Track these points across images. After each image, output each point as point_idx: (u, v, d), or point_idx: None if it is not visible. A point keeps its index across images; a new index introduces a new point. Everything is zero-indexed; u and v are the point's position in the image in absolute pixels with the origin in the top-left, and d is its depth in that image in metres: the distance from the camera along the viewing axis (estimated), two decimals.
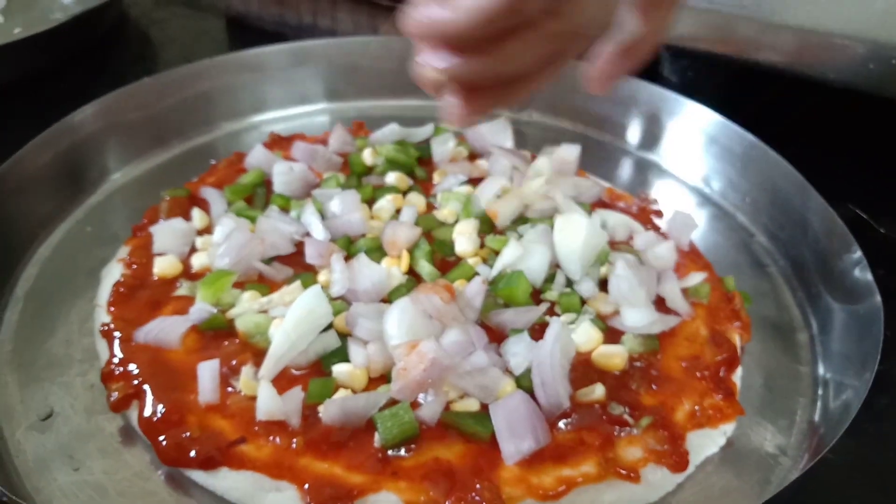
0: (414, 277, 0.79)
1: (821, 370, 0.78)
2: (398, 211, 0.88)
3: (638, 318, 0.73)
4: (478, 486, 0.60)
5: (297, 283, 0.75)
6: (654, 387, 0.69)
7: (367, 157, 0.96)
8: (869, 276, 0.76)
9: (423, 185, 0.95)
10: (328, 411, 0.63)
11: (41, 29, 1.20)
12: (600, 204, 0.92)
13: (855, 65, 0.97)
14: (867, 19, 0.94)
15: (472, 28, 0.48)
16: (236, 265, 0.77)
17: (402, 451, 0.62)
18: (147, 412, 0.66)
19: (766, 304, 0.85)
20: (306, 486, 0.60)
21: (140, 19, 1.50)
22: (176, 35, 1.45)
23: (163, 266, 0.79)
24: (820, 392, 0.75)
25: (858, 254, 0.78)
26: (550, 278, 0.79)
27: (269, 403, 0.64)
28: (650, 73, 1.12)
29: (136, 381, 0.68)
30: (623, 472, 0.62)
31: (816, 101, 1.13)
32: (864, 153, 1.10)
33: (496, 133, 1.00)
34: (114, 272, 0.81)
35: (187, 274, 0.79)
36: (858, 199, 0.99)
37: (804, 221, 0.88)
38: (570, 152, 0.95)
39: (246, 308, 0.73)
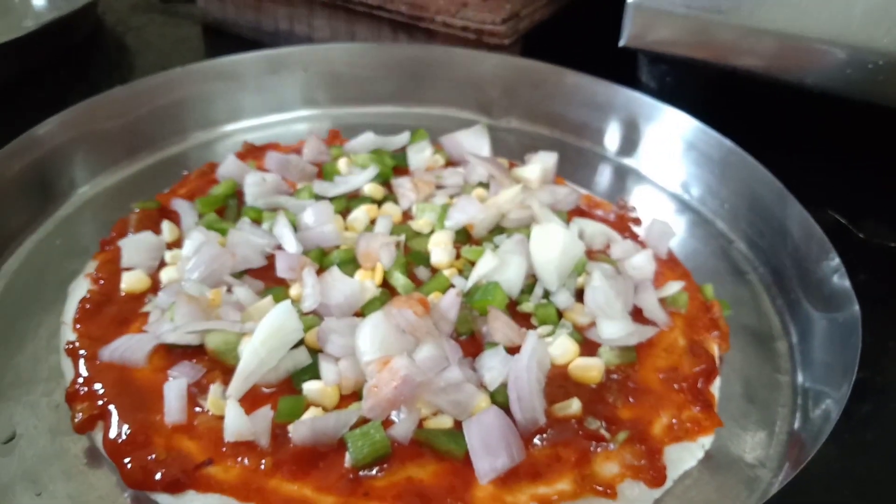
0: (388, 290, 0.77)
1: (800, 379, 0.77)
2: (373, 221, 0.86)
3: (614, 329, 0.72)
4: None
5: (268, 298, 0.73)
6: (631, 399, 0.68)
7: (342, 166, 0.95)
8: (847, 284, 0.75)
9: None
10: (298, 431, 0.62)
11: (13, 36, 1.18)
12: (578, 212, 0.91)
13: (833, 70, 0.97)
14: (845, 24, 0.93)
15: None
16: (206, 279, 0.75)
17: (374, 471, 0.61)
18: (112, 433, 0.64)
19: (745, 312, 0.85)
20: None
21: (116, 26, 1.48)
22: (152, 42, 1.43)
23: (130, 281, 0.77)
24: (800, 401, 0.75)
25: (837, 261, 0.78)
26: (527, 289, 0.78)
27: (237, 424, 0.62)
28: (628, 78, 1.11)
29: (101, 401, 0.66)
30: (600, 488, 0.61)
31: (795, 105, 1.13)
32: (843, 158, 1.10)
33: (473, 141, 0.98)
34: (81, 287, 0.79)
35: (156, 289, 0.77)
36: (838, 205, 0.99)
37: (783, 228, 0.87)
38: (547, 160, 0.94)
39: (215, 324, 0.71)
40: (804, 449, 0.67)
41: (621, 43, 1.10)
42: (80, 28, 1.40)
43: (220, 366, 0.68)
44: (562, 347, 0.71)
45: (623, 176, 1.06)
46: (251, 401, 0.65)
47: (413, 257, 0.82)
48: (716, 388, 0.73)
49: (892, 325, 0.83)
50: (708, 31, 1.03)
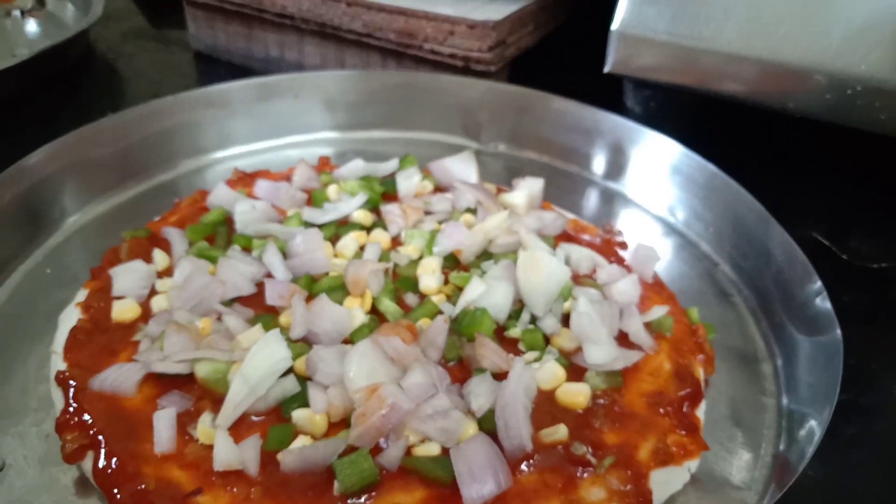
0: (377, 316, 0.78)
1: (785, 401, 0.78)
2: (362, 248, 0.87)
3: (600, 354, 0.73)
4: None
5: (258, 327, 0.74)
6: (617, 424, 0.69)
7: (332, 193, 0.96)
8: (829, 307, 0.76)
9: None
10: (286, 460, 0.62)
11: (7, 64, 1.19)
12: (565, 236, 0.92)
13: (813, 95, 0.99)
14: (823, 51, 0.96)
15: None
16: (196, 308, 0.76)
17: (363, 499, 0.61)
18: (102, 463, 0.64)
19: (730, 335, 0.86)
20: None
21: (107, 53, 1.49)
22: (143, 69, 1.45)
23: (121, 310, 0.77)
24: (785, 423, 0.75)
25: (819, 284, 0.79)
26: (515, 315, 0.78)
27: (226, 453, 0.62)
28: (614, 103, 1.13)
29: (91, 431, 0.66)
30: None
31: (777, 129, 1.15)
32: (826, 180, 1.12)
33: (461, 167, 1.00)
34: (71, 316, 0.79)
35: (146, 318, 0.78)
36: (821, 226, 1.01)
37: (766, 251, 0.89)
38: (533, 185, 0.95)
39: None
40: (789, 470, 0.68)
41: (606, 69, 1.13)
42: (71, 55, 1.41)
43: (209, 395, 0.69)
44: (549, 373, 0.71)
45: (610, 200, 1.08)
46: (241, 429, 0.66)
47: (402, 283, 0.82)
48: (701, 411, 0.73)
49: (875, 347, 0.84)
50: (690, 58, 1.05)
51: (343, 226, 0.91)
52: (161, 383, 0.70)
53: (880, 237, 1.03)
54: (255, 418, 0.67)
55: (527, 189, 0.95)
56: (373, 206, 0.94)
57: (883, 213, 1.07)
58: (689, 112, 1.26)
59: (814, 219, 1.03)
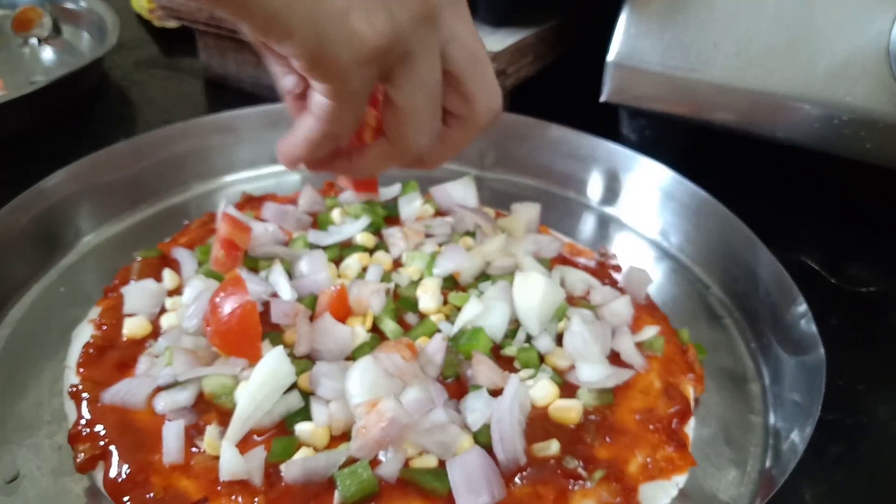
0: (378, 335, 0.81)
1: (772, 419, 0.80)
2: (365, 269, 0.90)
3: (592, 373, 0.75)
4: None
5: (264, 344, 0.77)
6: (608, 440, 0.71)
7: (336, 216, 0.99)
8: (814, 329, 0.79)
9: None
10: (289, 471, 0.65)
11: (24, 92, 1.23)
12: (560, 259, 0.95)
13: (801, 124, 1.02)
14: (810, 83, 0.99)
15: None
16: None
17: None
18: (112, 473, 0.67)
19: (721, 356, 0.88)
20: None
21: (120, 81, 1.53)
22: (155, 96, 1.49)
23: (132, 327, 0.81)
24: (771, 441, 0.77)
25: (804, 307, 0.82)
26: (510, 334, 0.81)
27: (232, 464, 0.65)
28: (610, 131, 1.17)
29: (102, 442, 0.69)
30: None
31: (769, 156, 1.18)
32: (815, 208, 1.15)
33: (461, 192, 1.03)
34: (84, 333, 0.82)
35: (156, 335, 0.81)
36: (812, 252, 1.04)
37: (755, 275, 0.91)
38: (531, 210, 0.99)
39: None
40: (773, 486, 0.70)
41: (602, 98, 1.16)
42: (86, 82, 1.46)
43: (215, 408, 0.72)
44: (542, 390, 0.74)
45: (605, 224, 1.11)
46: (245, 441, 0.68)
47: (402, 303, 0.85)
48: (690, 428, 0.76)
49: (861, 369, 0.86)
50: (683, 88, 1.09)
51: (346, 248, 0.94)
52: None
53: (869, 263, 1.05)
54: (258, 437, 0.70)
55: (524, 213, 0.98)
56: (375, 229, 0.97)
57: (872, 240, 1.10)
58: (682, 140, 1.29)
59: (804, 244, 1.05)
